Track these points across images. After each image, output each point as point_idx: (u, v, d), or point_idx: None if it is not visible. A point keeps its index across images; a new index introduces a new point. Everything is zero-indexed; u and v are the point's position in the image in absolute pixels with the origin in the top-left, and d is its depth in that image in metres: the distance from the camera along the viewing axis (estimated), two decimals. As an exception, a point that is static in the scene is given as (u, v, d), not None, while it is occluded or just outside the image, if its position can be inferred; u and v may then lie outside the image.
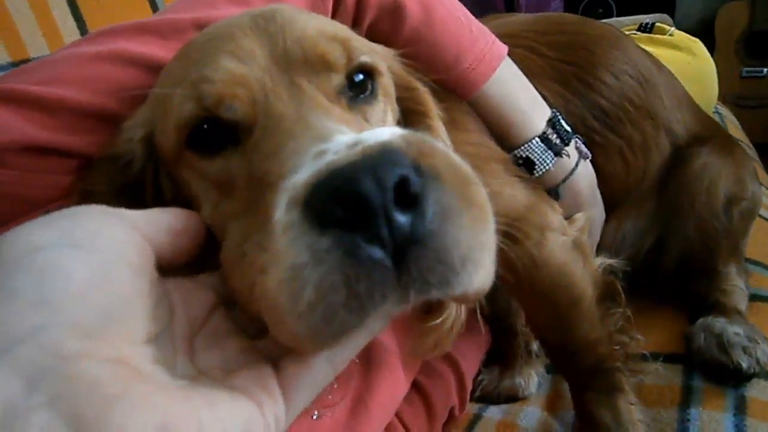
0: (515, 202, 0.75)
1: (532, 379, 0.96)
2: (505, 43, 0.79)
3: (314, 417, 0.62)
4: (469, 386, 0.91)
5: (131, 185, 0.51)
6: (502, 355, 0.99)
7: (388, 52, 0.62)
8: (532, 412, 0.90)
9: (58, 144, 0.54)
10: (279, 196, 0.34)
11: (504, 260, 0.75)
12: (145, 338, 0.32)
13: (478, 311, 0.94)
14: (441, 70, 0.74)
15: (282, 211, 0.33)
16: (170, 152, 0.48)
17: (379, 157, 0.32)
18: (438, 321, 0.59)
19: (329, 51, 0.47)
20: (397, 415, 0.80)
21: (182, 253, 0.39)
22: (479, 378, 0.97)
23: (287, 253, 0.32)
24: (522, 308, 0.82)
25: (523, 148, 0.78)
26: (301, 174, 0.34)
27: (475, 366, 0.95)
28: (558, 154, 0.80)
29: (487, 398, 0.95)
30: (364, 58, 0.50)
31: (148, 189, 0.52)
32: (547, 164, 0.78)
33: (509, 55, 0.80)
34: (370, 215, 0.31)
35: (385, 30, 0.73)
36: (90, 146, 0.55)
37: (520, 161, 0.79)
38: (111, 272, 0.31)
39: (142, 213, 0.37)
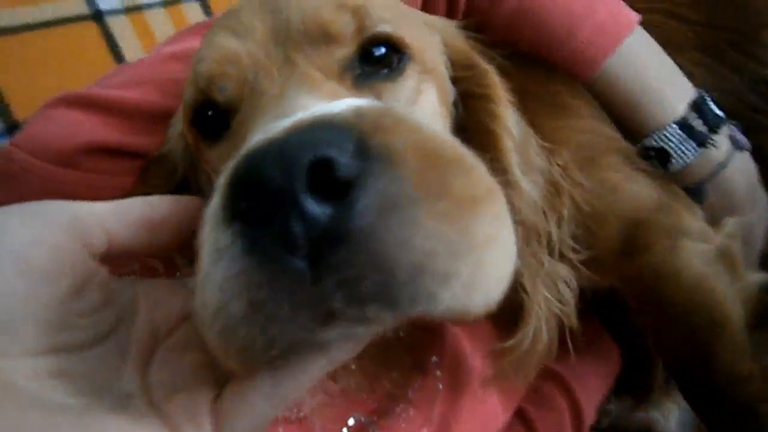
0: (639, 200, 0.63)
1: (672, 413, 0.82)
2: (635, 9, 0.67)
3: None
4: (589, 418, 0.79)
5: (185, 183, 0.50)
6: (636, 382, 0.85)
7: (446, 23, 0.54)
8: (669, 454, 0.76)
9: (127, 145, 0.54)
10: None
11: (623, 271, 0.64)
12: (40, 349, 0.29)
13: (598, 325, 0.83)
14: (551, 46, 0.64)
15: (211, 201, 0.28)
16: (192, 143, 0.45)
17: (301, 135, 0.26)
18: (510, 343, 0.50)
19: (333, 20, 0.41)
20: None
21: (163, 245, 0.36)
22: (607, 408, 0.84)
23: (203, 251, 0.28)
24: (648, 331, 0.69)
25: (655, 136, 0.65)
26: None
27: (600, 394, 0.83)
28: (702, 144, 0.65)
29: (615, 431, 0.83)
30: (382, 28, 0.43)
31: (193, 186, 0.49)
32: (687, 156, 0.64)
33: (641, 23, 0.67)
34: (275, 206, 0.25)
35: (483, 4, 0.65)
36: (159, 147, 0.55)
37: (652, 153, 0.66)
38: None
39: (111, 205, 0.34)
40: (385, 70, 0.44)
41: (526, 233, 0.50)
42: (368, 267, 0.25)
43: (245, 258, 0.26)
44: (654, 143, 0.65)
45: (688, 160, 0.64)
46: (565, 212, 0.57)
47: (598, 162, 0.63)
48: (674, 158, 0.65)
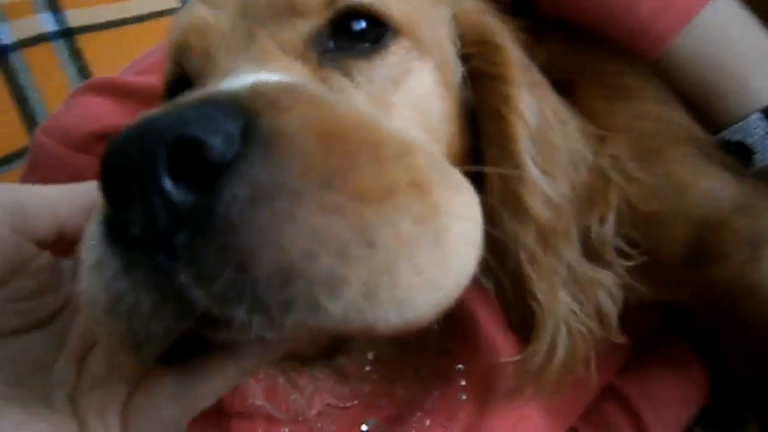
0: (713, 199, 0.54)
1: (770, 455, 0.70)
2: None
3: None
4: (661, 450, 0.70)
5: None
6: (726, 410, 0.74)
7: None
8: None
9: None
10: None
11: (689, 283, 0.55)
12: None
13: (682, 343, 0.73)
14: (609, 20, 0.56)
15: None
16: None
17: (174, 113, 0.24)
18: (521, 357, 0.45)
19: None
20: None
21: None
22: (687, 439, 0.74)
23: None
24: (725, 353, 0.59)
25: (735, 128, 0.55)
26: None
27: (677, 421, 0.72)
28: (793, 138, 0.55)
29: (697, 469, 0.72)
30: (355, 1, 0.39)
31: None
32: (774, 152, 0.54)
33: None
34: (135, 191, 0.23)
35: None
36: None
37: (731, 147, 0.56)
38: None
39: (62, 189, 0.34)
40: (363, 46, 0.40)
41: (541, 234, 0.44)
42: (229, 264, 0.23)
43: (104, 246, 0.25)
44: (733, 136, 0.55)
45: (775, 156, 0.54)
46: (611, 210, 0.50)
47: (663, 153, 0.54)
48: (758, 154, 0.55)
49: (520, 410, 0.58)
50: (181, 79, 0.42)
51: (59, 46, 1.03)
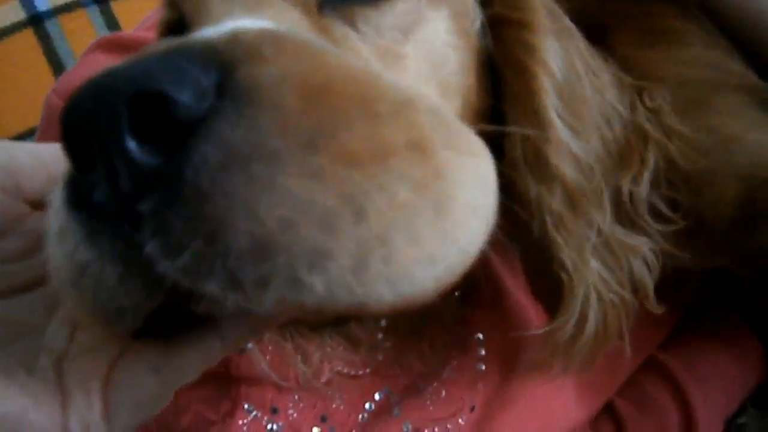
0: (766, 153, 0.48)
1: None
2: None
3: None
4: (707, 428, 0.64)
5: None
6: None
7: None
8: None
9: None
10: None
11: (738, 247, 0.50)
12: None
13: (735, 318, 0.67)
14: None
15: None
16: None
17: (141, 65, 0.21)
18: (549, 328, 0.41)
19: None
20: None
21: None
22: (739, 420, 0.68)
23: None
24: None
25: None
26: None
27: (728, 400, 0.67)
28: None
29: (748, 452, 0.67)
30: None
31: None
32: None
33: None
34: (91, 149, 0.21)
35: None
36: None
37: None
38: None
39: (55, 147, 0.32)
40: None
41: (569, 197, 0.40)
42: (199, 234, 0.20)
43: (67, 213, 0.23)
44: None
45: None
46: (647, 169, 0.45)
47: (708, 103, 0.49)
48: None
49: (548, 383, 0.54)
50: (175, 26, 0.39)
51: (93, 12, 1.04)
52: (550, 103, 0.39)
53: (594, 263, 0.41)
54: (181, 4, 0.38)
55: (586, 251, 0.41)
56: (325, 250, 0.20)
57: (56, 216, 0.24)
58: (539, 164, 0.39)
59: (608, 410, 0.63)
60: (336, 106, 0.22)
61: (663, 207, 0.47)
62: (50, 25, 1.02)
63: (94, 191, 0.22)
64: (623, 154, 0.45)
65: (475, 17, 0.41)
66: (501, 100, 0.42)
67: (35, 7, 1.00)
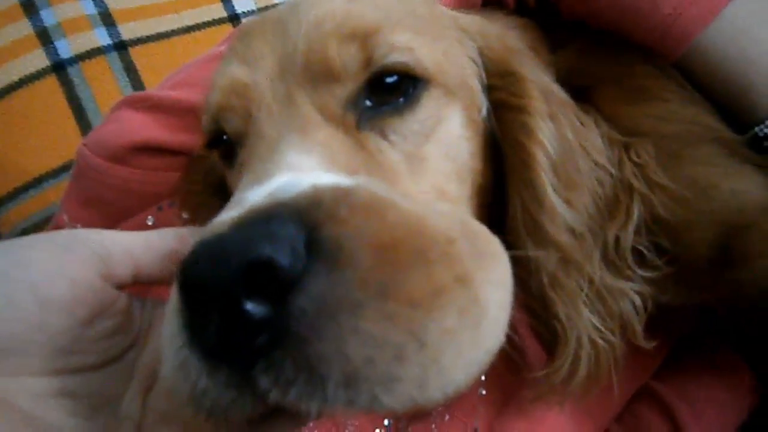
0: (741, 200, 0.54)
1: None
2: None
3: None
4: (703, 454, 0.69)
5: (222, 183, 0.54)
6: (775, 419, 0.73)
7: (484, 25, 0.51)
8: None
9: (170, 143, 0.60)
10: None
11: (716, 286, 0.56)
12: (47, 371, 0.34)
13: (726, 348, 0.72)
14: (631, 19, 0.58)
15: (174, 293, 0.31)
16: (216, 159, 0.48)
17: (243, 232, 0.28)
18: (545, 372, 0.47)
19: (336, 56, 0.41)
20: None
21: None
22: (733, 445, 0.73)
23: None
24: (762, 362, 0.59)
25: None
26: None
27: (721, 428, 0.72)
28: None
29: (741, 479, 0.71)
30: (395, 58, 0.42)
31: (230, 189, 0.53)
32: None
33: None
34: (215, 306, 0.27)
35: None
36: (198, 145, 0.60)
37: (766, 143, 0.56)
38: (12, 304, 0.33)
39: (141, 236, 0.38)
40: (396, 101, 0.43)
41: (562, 258, 0.46)
42: (303, 371, 0.27)
43: (186, 349, 0.29)
44: (766, 131, 0.55)
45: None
46: (632, 221, 0.51)
47: (688, 155, 0.55)
48: (794, 146, 0.54)
49: (546, 411, 0.60)
50: (219, 131, 0.45)
51: (113, 59, 1.11)
52: (545, 177, 0.46)
53: (586, 313, 0.48)
54: (224, 122, 0.44)
55: (579, 304, 0.47)
56: (397, 377, 0.27)
57: (175, 352, 0.30)
58: (536, 230, 0.46)
59: (606, 439, 0.68)
60: (399, 259, 0.29)
61: (648, 253, 0.53)
62: (72, 72, 1.09)
63: (211, 335, 0.28)
64: (611, 208, 0.51)
65: (482, 105, 0.48)
66: (503, 174, 0.48)
67: (58, 54, 1.08)
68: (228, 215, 0.31)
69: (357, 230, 0.29)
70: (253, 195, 0.32)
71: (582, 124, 0.52)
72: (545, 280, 0.46)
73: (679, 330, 0.69)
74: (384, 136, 0.42)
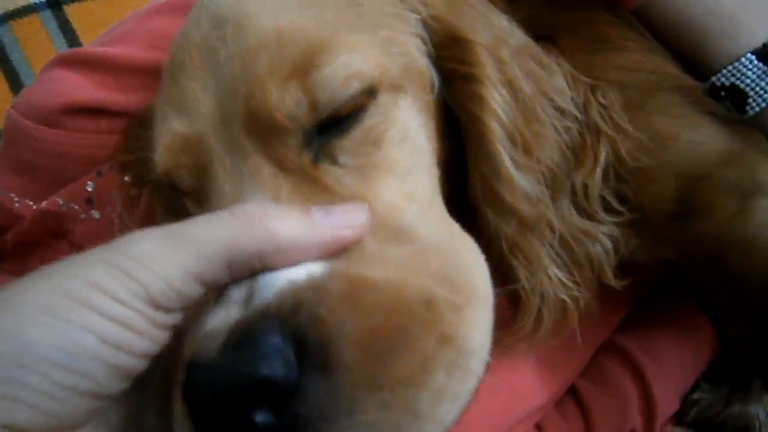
0: (700, 152, 0.56)
1: (779, 410, 0.72)
2: None
3: None
4: (667, 406, 0.72)
5: None
6: (735, 368, 0.77)
7: None
8: (765, 458, 0.68)
9: (111, 103, 0.59)
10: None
11: (678, 238, 0.57)
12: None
13: (687, 300, 0.75)
14: None
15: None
16: None
17: (240, 358, 0.30)
18: (512, 328, 0.49)
19: (280, 106, 0.39)
20: (539, 429, 0.69)
21: None
22: (694, 396, 0.77)
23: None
24: (724, 312, 0.61)
25: (726, 71, 0.56)
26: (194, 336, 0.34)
27: (684, 378, 0.75)
28: (790, 79, 0.56)
29: (704, 426, 0.75)
30: (341, 97, 0.40)
31: None
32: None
33: None
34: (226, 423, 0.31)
35: None
36: (140, 103, 0.59)
37: (724, 93, 0.57)
38: None
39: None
40: (343, 123, 0.42)
41: (521, 226, 0.47)
42: None
43: None
44: (724, 80, 0.56)
45: (769, 101, 0.55)
46: (599, 165, 0.52)
47: (649, 105, 0.56)
48: (752, 98, 0.56)
49: (514, 365, 0.61)
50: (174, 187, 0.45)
51: (47, 17, 1.07)
52: (501, 147, 0.46)
53: (551, 269, 0.49)
54: (178, 180, 0.43)
55: (543, 261, 0.49)
56: None
57: None
58: (495, 201, 0.47)
59: (571, 392, 0.70)
60: (384, 347, 0.31)
61: (613, 200, 0.55)
62: (2, 31, 1.05)
63: None
64: (578, 153, 0.52)
65: (433, 82, 0.48)
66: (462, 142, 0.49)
67: (-15, 13, 1.04)
68: (218, 323, 0.33)
69: (339, 327, 0.31)
70: (235, 293, 0.34)
71: (543, 66, 0.52)
72: (504, 246, 0.47)
73: (641, 284, 0.72)
74: (335, 162, 0.41)
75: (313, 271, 0.34)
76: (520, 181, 0.47)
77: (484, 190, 0.47)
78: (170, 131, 0.42)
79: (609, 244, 0.53)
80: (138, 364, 0.31)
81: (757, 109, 0.56)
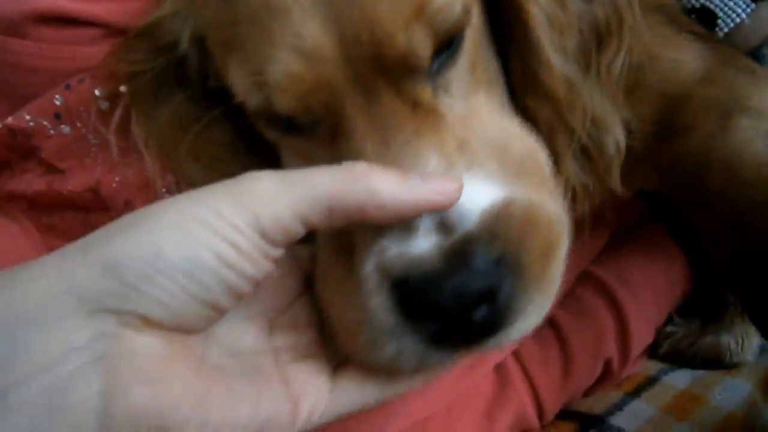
0: (680, 71, 0.57)
1: (749, 341, 0.75)
2: None
3: None
4: (642, 337, 0.75)
5: (172, 67, 0.51)
6: (708, 300, 0.80)
7: None
8: (736, 387, 0.71)
9: (80, 12, 0.57)
10: (367, 259, 0.39)
11: (659, 160, 0.59)
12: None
13: (662, 232, 0.78)
14: None
15: (371, 284, 0.39)
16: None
17: (462, 273, 0.37)
18: None
19: (412, 48, 0.40)
20: (516, 356, 0.71)
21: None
22: (668, 329, 0.80)
23: (374, 325, 0.39)
24: (703, 239, 0.63)
25: None
26: (389, 252, 0.38)
27: (658, 309, 0.78)
28: (758, -1, 0.58)
29: (676, 357, 0.78)
30: (450, 20, 0.41)
31: (191, 74, 0.51)
32: (737, 14, 0.57)
33: None
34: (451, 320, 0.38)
35: None
36: (114, 15, 0.57)
37: (695, 14, 0.59)
38: None
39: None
40: (443, 57, 0.43)
41: (557, 109, 0.50)
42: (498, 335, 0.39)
43: (423, 342, 0.38)
44: (695, 2, 0.58)
45: (738, 20, 0.57)
46: (623, 48, 0.53)
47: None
48: (720, 18, 0.57)
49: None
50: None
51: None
52: (544, 35, 0.48)
53: (570, 162, 0.52)
54: (301, 119, 0.43)
55: (567, 153, 0.51)
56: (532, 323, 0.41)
57: (398, 342, 0.39)
58: (535, 85, 0.49)
59: (549, 321, 0.73)
60: (548, 256, 0.41)
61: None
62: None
63: (438, 333, 0.38)
64: (602, 35, 0.53)
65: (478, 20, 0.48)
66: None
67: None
68: (426, 246, 0.38)
69: (525, 243, 0.39)
70: (422, 225, 0.39)
71: None
72: (542, 128, 0.50)
73: (619, 217, 0.73)
74: (449, 92, 0.44)
75: (495, 200, 0.40)
76: (557, 62, 0.49)
77: (525, 76, 0.49)
78: (293, 75, 0.41)
79: (622, 138, 0.54)
80: (244, 286, 0.34)
81: (726, 29, 0.58)
